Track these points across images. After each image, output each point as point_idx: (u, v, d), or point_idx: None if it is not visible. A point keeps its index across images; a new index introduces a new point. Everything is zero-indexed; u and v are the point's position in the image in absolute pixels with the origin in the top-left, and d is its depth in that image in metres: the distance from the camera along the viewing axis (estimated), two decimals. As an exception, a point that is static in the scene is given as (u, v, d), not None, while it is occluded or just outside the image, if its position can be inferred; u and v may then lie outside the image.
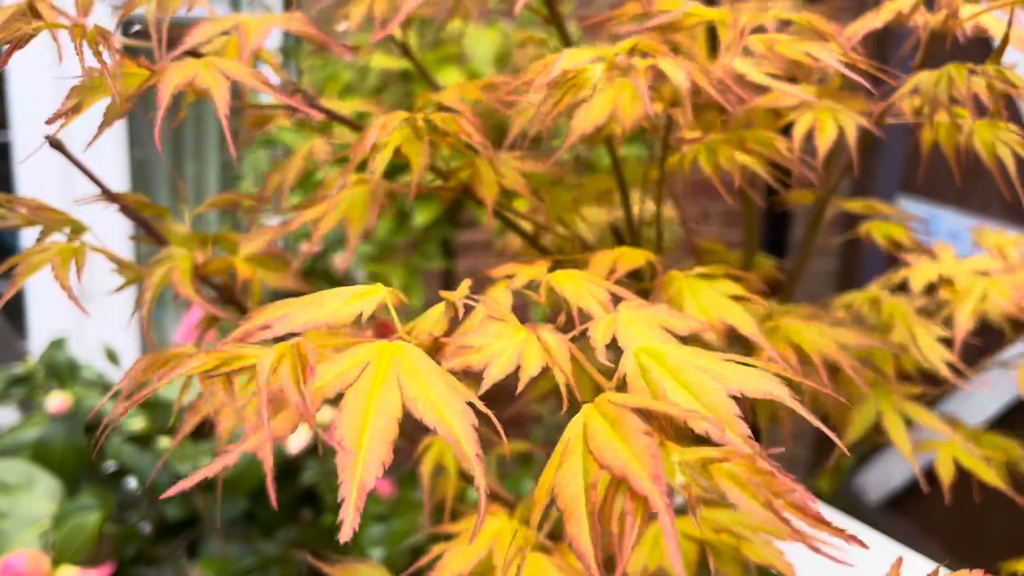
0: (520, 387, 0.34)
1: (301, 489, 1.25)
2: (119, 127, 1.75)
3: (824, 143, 0.58)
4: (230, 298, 0.64)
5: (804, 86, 0.65)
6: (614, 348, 0.38)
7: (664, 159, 0.62)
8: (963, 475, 0.70)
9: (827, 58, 0.50)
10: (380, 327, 0.67)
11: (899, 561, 0.39)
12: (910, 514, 1.84)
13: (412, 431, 0.65)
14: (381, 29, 0.58)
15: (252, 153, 1.40)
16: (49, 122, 0.48)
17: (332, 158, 0.69)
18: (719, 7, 0.55)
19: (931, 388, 0.72)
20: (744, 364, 0.35)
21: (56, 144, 0.55)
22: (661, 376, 0.34)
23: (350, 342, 0.34)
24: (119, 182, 1.84)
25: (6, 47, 0.46)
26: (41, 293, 1.82)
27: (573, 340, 0.38)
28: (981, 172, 0.60)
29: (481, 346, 0.36)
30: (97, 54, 0.46)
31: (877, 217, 0.78)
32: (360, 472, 0.30)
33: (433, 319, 0.37)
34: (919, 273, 0.68)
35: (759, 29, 0.54)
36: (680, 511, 0.58)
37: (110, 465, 1.22)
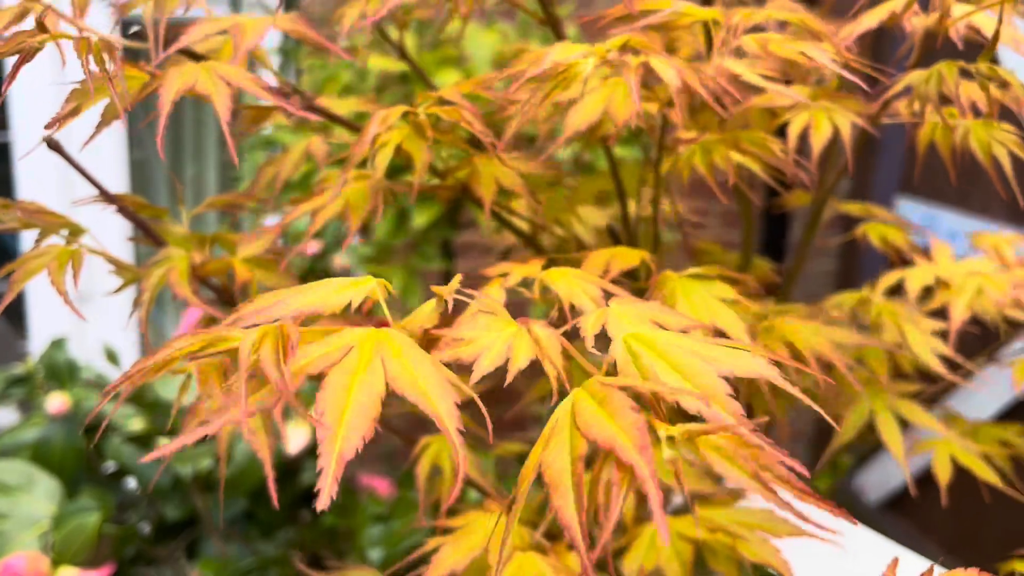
0: (508, 379, 0.35)
1: (300, 489, 1.26)
2: (118, 128, 1.75)
3: (819, 142, 0.58)
4: (228, 299, 0.64)
5: (800, 87, 0.65)
6: (607, 344, 0.38)
7: (660, 160, 0.62)
8: (964, 475, 0.70)
9: (821, 58, 0.51)
10: (377, 326, 0.67)
11: (895, 562, 0.39)
12: (909, 514, 1.84)
13: (410, 432, 0.65)
14: (374, 28, 0.58)
15: (252, 154, 1.40)
16: (48, 127, 0.48)
17: (331, 159, 0.69)
18: (713, 6, 0.55)
19: (929, 387, 0.72)
20: (735, 348, 0.35)
21: (55, 145, 0.56)
22: (652, 360, 0.35)
23: (337, 328, 0.34)
24: (118, 183, 1.84)
25: (14, 60, 0.46)
26: (41, 294, 1.82)
27: (565, 335, 0.38)
28: (981, 172, 0.60)
29: (471, 339, 0.36)
30: (102, 67, 0.46)
31: (875, 218, 0.78)
32: (340, 444, 0.30)
33: (425, 314, 0.37)
34: (915, 275, 0.68)
35: (758, 28, 0.54)
36: (676, 512, 0.58)
37: (110, 466, 1.22)
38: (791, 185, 0.67)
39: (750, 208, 0.73)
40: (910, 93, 0.57)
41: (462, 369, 0.35)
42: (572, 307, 0.44)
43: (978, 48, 0.56)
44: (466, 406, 0.33)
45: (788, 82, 0.67)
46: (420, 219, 1.29)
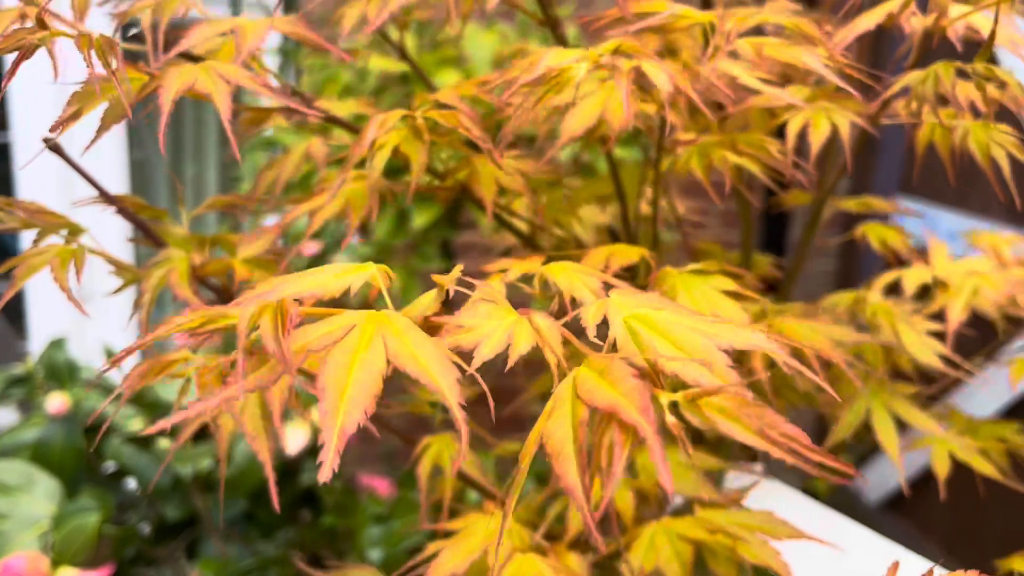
0: (510, 363, 0.35)
1: (300, 490, 1.26)
2: (118, 129, 1.75)
3: (817, 142, 0.58)
4: (228, 299, 0.64)
5: (799, 87, 0.65)
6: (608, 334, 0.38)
7: (659, 160, 0.62)
8: (964, 474, 0.70)
9: (814, 63, 0.51)
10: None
11: (895, 565, 0.39)
12: (909, 514, 1.84)
13: (410, 432, 0.65)
14: (374, 30, 0.58)
15: (252, 155, 1.40)
16: (52, 130, 0.49)
17: (330, 160, 0.69)
18: (712, 9, 0.55)
19: (927, 386, 0.72)
20: (734, 325, 0.35)
21: (55, 147, 0.56)
22: (651, 337, 0.35)
23: (338, 311, 0.35)
24: (118, 183, 1.84)
25: (13, 58, 0.46)
26: (41, 294, 1.82)
27: (565, 327, 0.38)
28: (980, 173, 0.61)
29: (472, 326, 0.36)
30: (105, 63, 0.46)
31: (874, 218, 0.78)
32: (342, 418, 0.30)
33: (426, 303, 0.37)
34: (911, 275, 0.68)
35: (755, 31, 0.55)
36: (677, 513, 0.58)
37: (110, 466, 1.23)
38: (790, 185, 0.67)
39: (749, 208, 0.73)
40: (908, 93, 0.57)
41: (463, 357, 0.35)
42: (572, 300, 0.44)
43: (980, 48, 0.56)
44: (466, 407, 0.33)
45: (788, 82, 0.68)
46: (420, 219, 1.29)
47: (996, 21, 0.52)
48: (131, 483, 1.24)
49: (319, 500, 1.26)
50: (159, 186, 2.02)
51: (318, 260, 1.41)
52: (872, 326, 0.67)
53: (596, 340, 0.37)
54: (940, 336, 0.65)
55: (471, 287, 0.39)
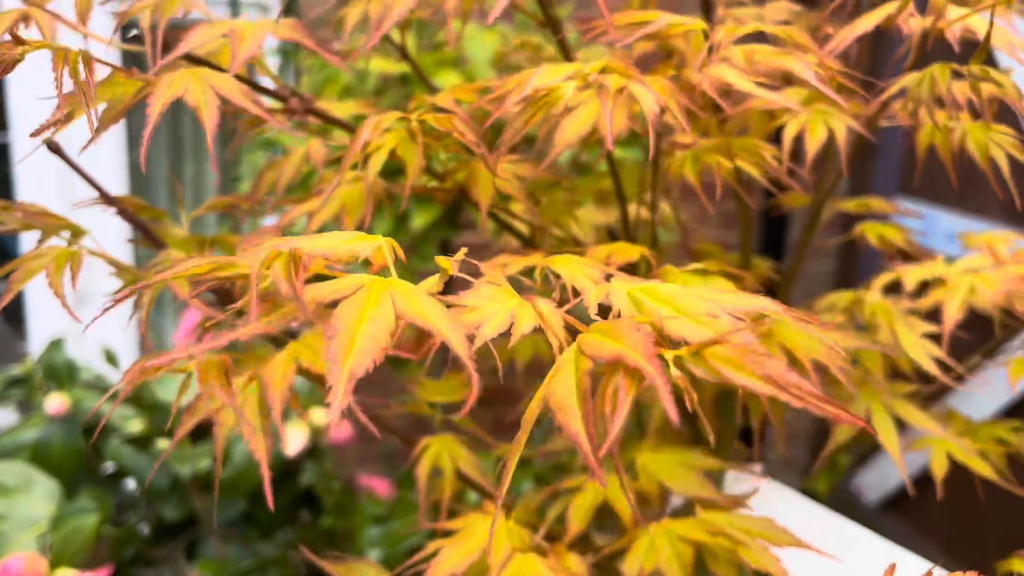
0: (513, 341, 0.35)
1: (299, 490, 1.26)
2: (118, 129, 1.76)
3: (813, 145, 0.58)
4: (228, 300, 0.64)
5: (797, 89, 0.66)
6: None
7: (657, 162, 0.62)
8: (963, 475, 0.70)
9: (803, 72, 0.51)
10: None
11: (892, 568, 0.39)
12: (908, 514, 1.84)
13: (410, 432, 0.65)
14: (376, 32, 0.58)
15: (251, 155, 1.40)
16: (40, 131, 0.49)
17: (329, 160, 0.70)
18: (713, 8, 0.55)
19: (926, 387, 0.72)
20: (737, 292, 0.35)
21: (54, 147, 0.56)
22: (656, 305, 0.35)
23: (345, 273, 0.35)
24: (118, 184, 1.84)
25: None
26: (40, 295, 1.82)
27: (568, 314, 0.38)
28: (979, 174, 0.61)
29: (475, 307, 0.36)
30: (76, 80, 0.47)
31: (873, 219, 0.78)
32: (351, 362, 0.30)
33: (430, 284, 0.37)
34: (910, 274, 0.68)
35: (753, 36, 0.55)
36: (677, 514, 0.58)
37: (109, 466, 1.23)
38: (787, 188, 0.67)
39: (748, 210, 0.74)
40: (906, 95, 0.57)
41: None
42: (574, 290, 0.44)
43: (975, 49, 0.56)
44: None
45: (788, 84, 0.68)
46: (419, 220, 1.29)
47: (991, 23, 0.52)
48: (130, 484, 1.24)
49: (318, 500, 1.26)
50: (159, 186, 2.02)
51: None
52: (870, 326, 0.68)
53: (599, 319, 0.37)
54: (938, 338, 0.66)
55: (474, 276, 0.39)
